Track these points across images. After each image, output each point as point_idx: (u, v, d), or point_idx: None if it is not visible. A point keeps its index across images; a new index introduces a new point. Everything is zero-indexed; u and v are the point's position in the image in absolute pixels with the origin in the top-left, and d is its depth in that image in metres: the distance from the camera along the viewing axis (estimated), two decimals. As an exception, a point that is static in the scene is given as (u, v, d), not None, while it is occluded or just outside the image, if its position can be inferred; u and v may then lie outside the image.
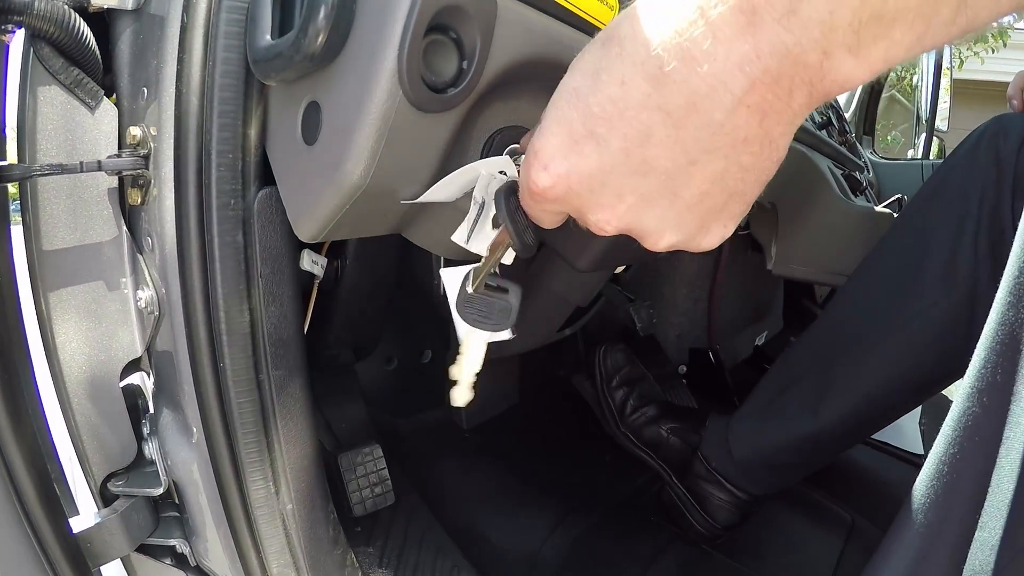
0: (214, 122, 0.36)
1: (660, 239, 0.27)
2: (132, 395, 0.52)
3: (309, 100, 0.33)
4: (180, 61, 0.38)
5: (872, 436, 0.84)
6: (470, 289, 0.34)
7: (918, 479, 0.40)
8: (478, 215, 0.33)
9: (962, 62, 4.93)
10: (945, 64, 1.51)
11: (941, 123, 1.56)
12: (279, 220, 0.37)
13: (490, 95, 0.35)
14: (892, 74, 1.67)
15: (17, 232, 0.46)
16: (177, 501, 0.52)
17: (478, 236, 0.34)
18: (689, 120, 0.23)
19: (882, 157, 1.52)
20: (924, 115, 1.52)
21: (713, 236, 0.28)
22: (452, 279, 0.35)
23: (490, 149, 0.38)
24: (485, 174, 0.32)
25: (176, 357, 0.43)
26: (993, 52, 5.00)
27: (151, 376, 0.52)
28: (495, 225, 0.34)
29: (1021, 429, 0.35)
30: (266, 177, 0.37)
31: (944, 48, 1.49)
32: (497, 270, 0.34)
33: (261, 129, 0.37)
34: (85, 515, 0.49)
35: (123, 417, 0.48)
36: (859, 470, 0.88)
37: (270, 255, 0.37)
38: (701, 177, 0.24)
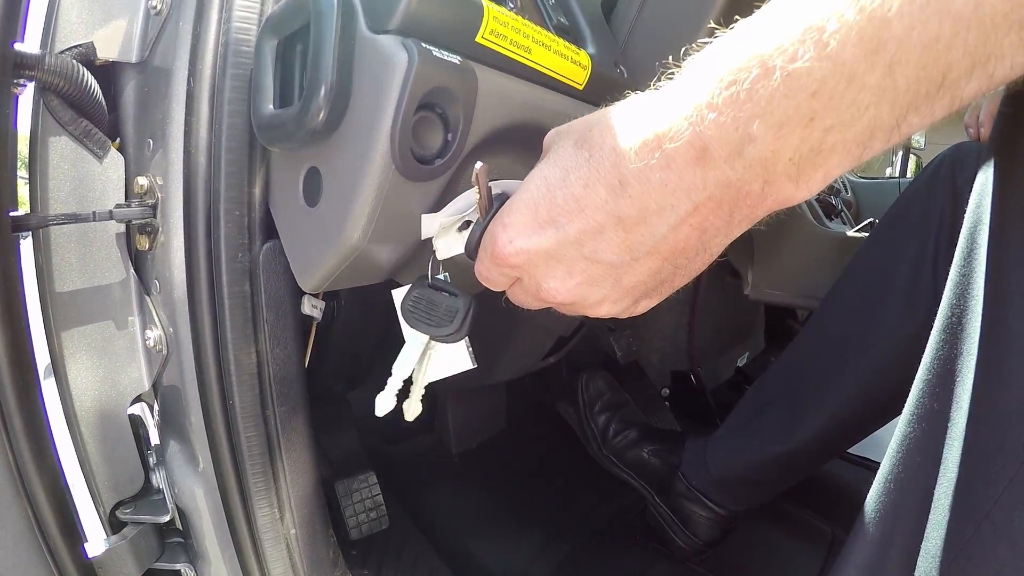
0: (222, 182, 0.41)
1: (599, 310, 0.33)
2: (134, 424, 0.57)
3: (310, 166, 0.39)
4: (188, 123, 0.43)
5: (851, 451, 0.90)
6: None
7: (869, 494, 0.46)
8: (458, 223, 0.38)
9: None
10: None
11: (918, 139, 1.63)
12: (282, 270, 0.43)
13: (472, 154, 0.41)
14: None
15: (30, 274, 0.51)
16: (181, 527, 0.57)
17: (444, 235, 0.39)
18: (637, 228, 0.28)
19: (860, 176, 1.59)
20: None
21: (642, 308, 0.35)
22: (400, 294, 0.40)
23: (474, 202, 0.44)
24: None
25: (184, 393, 0.48)
26: None
27: (155, 407, 0.57)
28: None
29: (955, 452, 0.41)
30: (269, 231, 0.43)
31: None
32: (449, 278, 0.40)
33: (264, 187, 0.43)
34: (95, 541, 0.54)
35: (131, 448, 0.54)
36: (839, 485, 0.94)
37: (274, 302, 0.43)
38: (640, 270, 0.30)
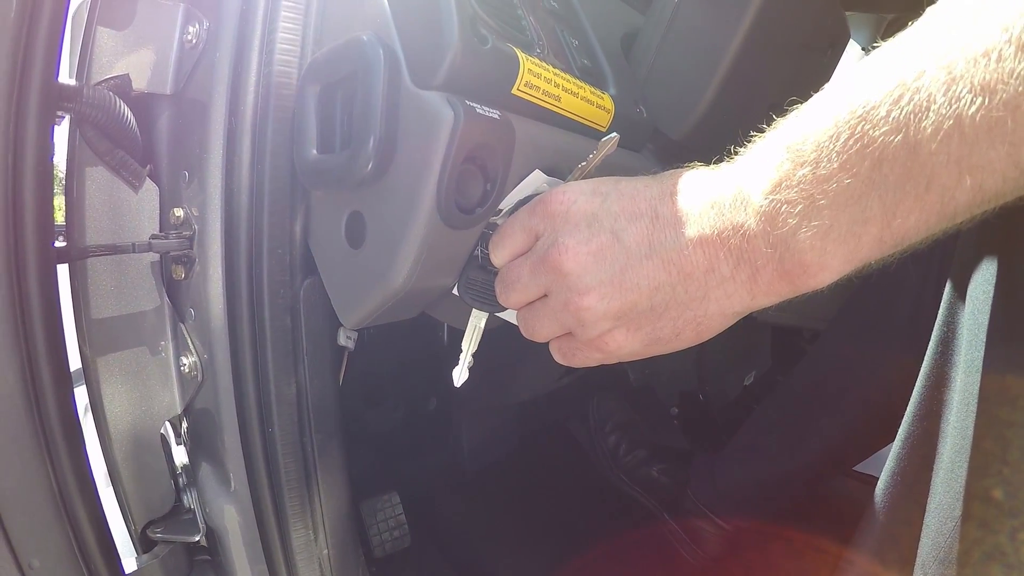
0: (265, 221, 0.45)
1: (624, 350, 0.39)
2: (165, 446, 0.61)
3: (353, 210, 0.43)
4: (229, 162, 0.47)
5: (857, 468, 0.95)
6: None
7: (867, 511, 0.51)
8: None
9: None
10: None
11: None
12: (321, 305, 0.47)
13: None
14: None
15: (67, 301, 0.54)
16: (207, 545, 0.61)
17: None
18: (690, 311, 0.35)
19: None
20: None
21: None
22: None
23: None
24: None
25: (219, 417, 0.52)
26: None
27: (181, 428, 0.61)
28: None
29: (941, 477, 0.45)
30: (309, 268, 0.47)
31: None
32: None
33: (304, 225, 0.46)
34: (126, 560, 0.58)
35: (163, 469, 0.57)
36: (846, 502, 0.98)
37: (314, 336, 0.46)
38: (676, 339, 0.37)
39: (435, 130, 0.37)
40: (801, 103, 0.34)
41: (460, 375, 0.46)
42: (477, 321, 0.47)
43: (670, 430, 1.03)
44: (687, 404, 1.13)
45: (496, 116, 0.40)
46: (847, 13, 0.75)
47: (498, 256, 0.42)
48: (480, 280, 0.45)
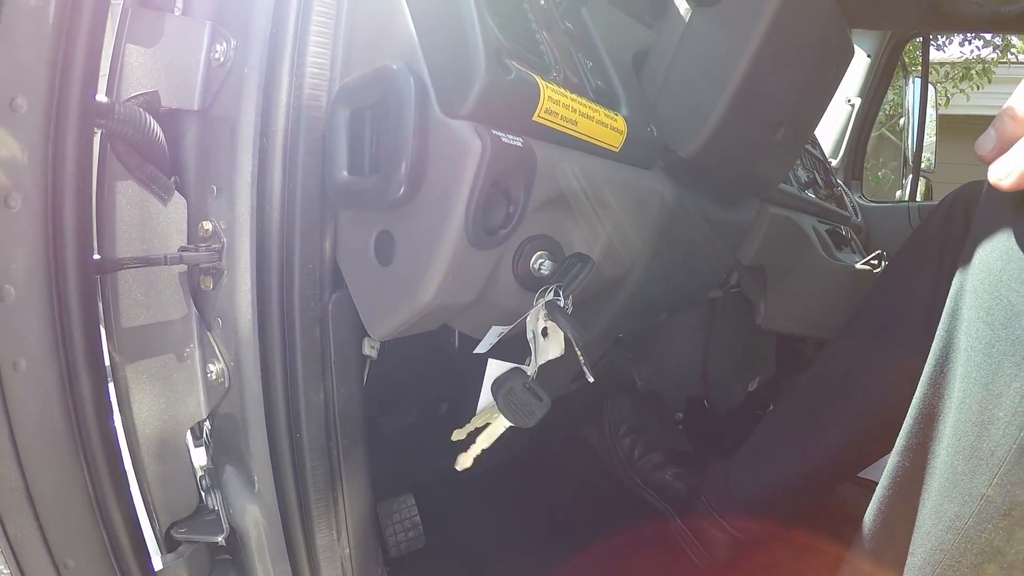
0: (296, 238, 0.49)
1: None
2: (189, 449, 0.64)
3: (382, 229, 0.46)
4: (261, 180, 0.51)
5: (861, 475, 0.99)
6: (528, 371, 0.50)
7: (866, 514, 0.55)
8: (534, 344, 0.48)
9: (948, 99, 5.40)
10: (930, 106, 1.69)
11: (928, 157, 1.74)
12: (349, 317, 0.50)
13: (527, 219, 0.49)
14: (881, 113, 1.85)
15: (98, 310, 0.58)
16: (227, 545, 0.65)
17: (536, 353, 0.49)
18: None
19: (870, 201, 1.70)
20: (911, 157, 1.71)
21: None
22: (495, 370, 0.49)
23: (522, 255, 0.51)
24: (531, 322, 0.48)
25: (247, 423, 0.55)
26: (978, 89, 5.45)
27: (203, 430, 0.64)
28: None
29: (936, 478, 0.49)
30: (337, 281, 0.50)
31: (929, 90, 1.67)
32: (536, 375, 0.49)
33: (333, 242, 0.50)
34: (153, 559, 0.61)
35: (188, 471, 0.61)
36: (850, 508, 1.03)
37: (341, 346, 0.50)
38: None
39: (464, 158, 0.41)
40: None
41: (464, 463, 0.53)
42: (496, 427, 0.53)
43: (676, 435, 1.07)
44: (692, 410, 1.17)
45: (520, 144, 0.43)
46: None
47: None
48: (521, 398, 0.51)
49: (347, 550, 0.55)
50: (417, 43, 0.45)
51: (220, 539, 0.61)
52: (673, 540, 0.90)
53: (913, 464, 0.52)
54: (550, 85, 0.47)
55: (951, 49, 5.80)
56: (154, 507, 0.61)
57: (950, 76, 5.55)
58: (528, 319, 0.48)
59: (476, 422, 0.54)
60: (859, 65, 1.73)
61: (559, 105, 0.48)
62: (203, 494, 0.62)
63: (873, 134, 1.81)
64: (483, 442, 0.53)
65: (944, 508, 0.47)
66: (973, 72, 5.50)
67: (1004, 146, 0.42)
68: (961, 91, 5.54)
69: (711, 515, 0.87)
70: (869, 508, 0.55)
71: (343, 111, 0.48)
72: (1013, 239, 0.43)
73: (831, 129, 1.74)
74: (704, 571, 0.88)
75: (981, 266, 0.47)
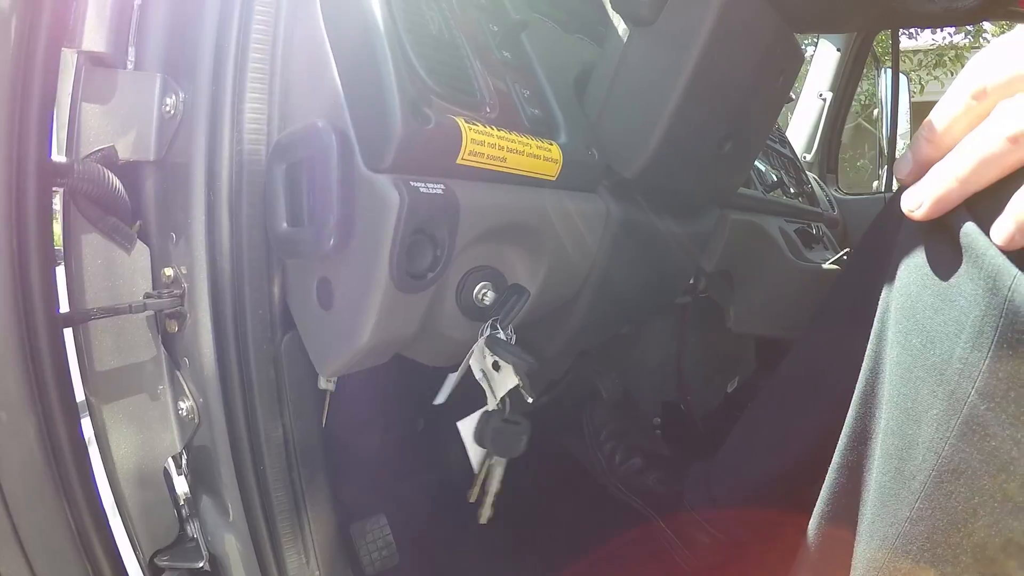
0: (246, 285, 0.52)
1: None
2: (168, 481, 0.68)
3: (322, 276, 0.50)
4: (211, 232, 0.54)
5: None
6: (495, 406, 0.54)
7: (808, 527, 0.57)
8: (487, 380, 0.51)
9: (923, 87, 5.37)
10: (903, 96, 1.68)
11: (901, 151, 1.73)
12: (302, 356, 0.53)
13: (458, 258, 0.52)
14: (856, 103, 1.85)
15: (72, 356, 0.62)
16: (210, 570, 0.69)
17: (494, 386, 0.52)
18: None
19: (847, 193, 1.70)
20: (886, 147, 1.70)
21: None
22: (467, 427, 0.53)
23: (463, 288, 0.54)
24: (476, 361, 0.51)
25: (216, 454, 0.59)
26: (952, 75, 5.44)
27: (182, 462, 0.68)
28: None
29: (870, 497, 0.51)
30: (288, 323, 0.54)
31: (901, 80, 1.66)
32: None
33: (282, 286, 0.53)
34: (138, 587, 0.66)
35: (167, 503, 0.65)
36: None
37: (296, 383, 0.53)
38: None
39: (384, 211, 0.44)
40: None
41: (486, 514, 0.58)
42: (497, 469, 0.59)
43: (654, 441, 1.09)
44: (669, 414, 1.20)
45: (440, 191, 0.46)
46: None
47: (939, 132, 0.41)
48: (504, 433, 0.56)
49: (317, 572, 0.59)
50: (343, 99, 0.48)
51: (201, 564, 0.65)
52: (657, 544, 0.93)
53: (850, 481, 0.53)
54: (474, 126, 0.49)
55: (923, 37, 5.74)
56: (137, 537, 0.65)
57: (923, 64, 5.53)
58: (472, 360, 0.51)
59: (480, 476, 0.58)
60: (829, 59, 1.72)
61: (484, 145, 0.50)
62: (183, 523, 0.66)
63: (849, 124, 1.81)
64: (493, 487, 0.57)
65: (876, 528, 0.48)
66: (946, 59, 5.49)
67: (920, 170, 0.42)
68: (935, 78, 5.52)
69: (694, 519, 0.90)
70: (810, 523, 0.57)
71: (279, 165, 0.50)
72: (929, 266, 0.44)
73: (804, 124, 1.75)
74: (689, 574, 0.91)
75: (902, 288, 0.47)
